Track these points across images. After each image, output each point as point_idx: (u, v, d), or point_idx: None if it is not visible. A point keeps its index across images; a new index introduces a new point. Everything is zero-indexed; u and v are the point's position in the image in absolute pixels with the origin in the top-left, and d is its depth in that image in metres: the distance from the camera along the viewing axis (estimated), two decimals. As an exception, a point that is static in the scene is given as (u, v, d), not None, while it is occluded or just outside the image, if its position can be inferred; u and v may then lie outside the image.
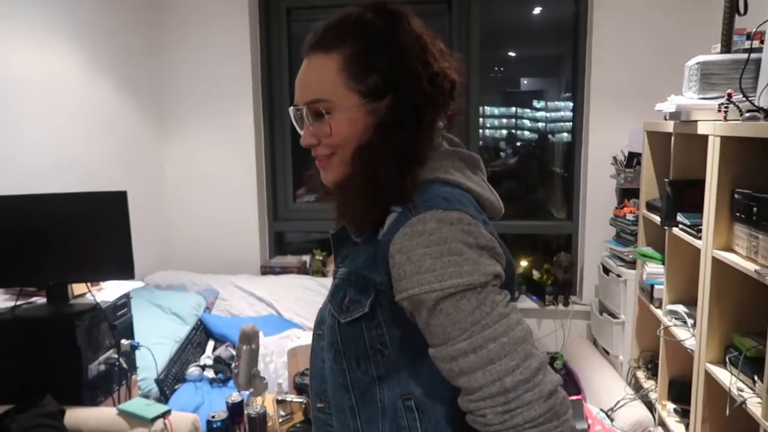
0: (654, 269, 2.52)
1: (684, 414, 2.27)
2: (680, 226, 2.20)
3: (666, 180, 2.30)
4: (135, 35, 3.30)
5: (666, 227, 2.32)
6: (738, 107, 1.82)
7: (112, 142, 3.09)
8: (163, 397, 2.46)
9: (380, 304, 0.86)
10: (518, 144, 3.78)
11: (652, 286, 2.52)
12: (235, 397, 1.99)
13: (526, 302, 3.39)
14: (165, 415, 1.95)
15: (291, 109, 0.94)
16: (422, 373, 0.88)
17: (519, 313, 0.81)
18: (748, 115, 1.74)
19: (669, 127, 2.33)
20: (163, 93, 3.51)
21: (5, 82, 2.40)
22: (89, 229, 2.14)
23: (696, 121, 2.03)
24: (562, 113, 3.59)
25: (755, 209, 1.65)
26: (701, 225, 1.97)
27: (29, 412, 1.81)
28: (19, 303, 2.09)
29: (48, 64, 2.64)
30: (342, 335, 0.90)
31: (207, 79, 3.48)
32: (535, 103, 3.69)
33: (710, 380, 1.89)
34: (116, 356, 2.18)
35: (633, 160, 3.03)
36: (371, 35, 0.87)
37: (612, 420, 2.48)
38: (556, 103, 3.63)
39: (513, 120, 3.72)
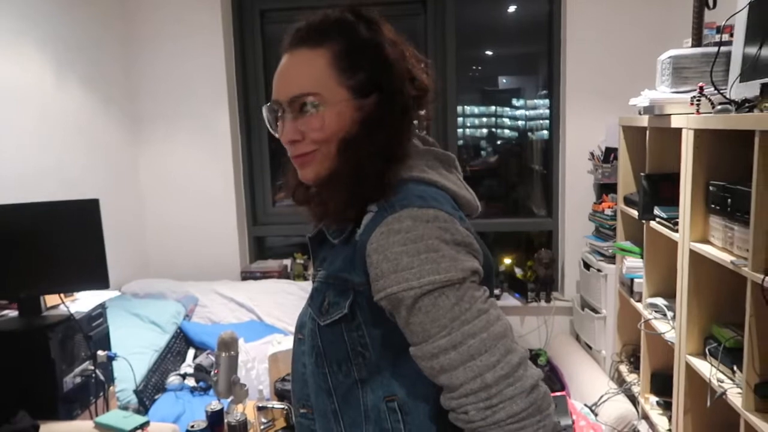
0: (633, 263, 2.54)
1: (666, 406, 2.28)
2: (657, 219, 2.22)
3: (642, 174, 2.32)
4: (106, 38, 3.24)
5: (643, 221, 2.33)
6: (710, 100, 1.83)
7: (84, 149, 3.03)
8: (143, 407, 2.41)
9: (359, 306, 0.86)
10: (498, 143, 3.79)
11: (631, 280, 2.53)
12: (215, 405, 1.96)
13: (509, 300, 3.39)
14: (143, 426, 1.91)
15: (265, 107, 0.92)
16: (404, 374, 0.88)
17: (498, 309, 0.82)
18: (720, 107, 1.76)
19: (644, 121, 2.35)
20: (135, 97, 3.46)
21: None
22: (61, 239, 2.09)
23: (669, 114, 2.04)
24: (540, 111, 3.60)
25: (729, 201, 1.66)
26: (678, 218, 1.98)
27: (2, 429, 1.76)
28: (-11, 316, 2.04)
29: (14, 68, 2.58)
30: (323, 338, 0.90)
31: (181, 83, 3.43)
32: (514, 102, 3.70)
33: (691, 372, 1.90)
34: (92, 368, 2.14)
35: (610, 155, 3.05)
36: (356, 34, 0.88)
37: (596, 415, 2.49)
38: (535, 101, 3.64)
39: (493, 119, 3.72)
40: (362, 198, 0.86)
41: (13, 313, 2.11)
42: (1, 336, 1.98)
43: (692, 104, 1.89)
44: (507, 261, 3.50)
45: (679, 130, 1.94)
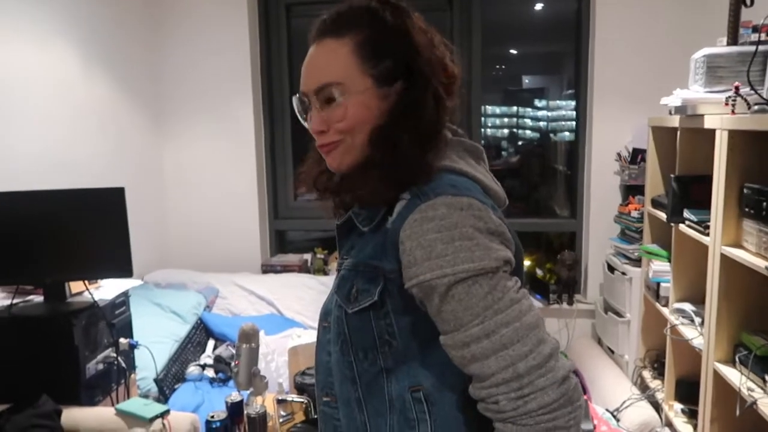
0: (660, 267, 2.49)
1: (692, 414, 2.23)
2: (687, 222, 2.17)
3: (672, 176, 2.27)
4: (132, 31, 3.27)
5: (672, 224, 2.28)
6: (746, 100, 1.79)
7: (110, 140, 3.06)
8: (163, 396, 2.43)
9: (389, 293, 0.85)
10: (520, 143, 3.74)
11: (658, 284, 2.48)
12: (235, 396, 1.96)
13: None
14: (164, 414, 1.91)
15: (295, 98, 0.93)
16: (431, 364, 0.87)
17: (530, 300, 0.81)
18: (756, 108, 1.71)
19: (674, 121, 2.30)
20: (161, 90, 3.48)
21: (2, 79, 2.37)
22: (87, 226, 2.11)
23: (702, 115, 1.99)
24: (563, 111, 3.55)
25: (765, 204, 1.61)
26: (709, 221, 1.93)
27: (25, 412, 1.78)
28: (15, 301, 2.07)
29: (44, 60, 2.61)
30: (349, 326, 0.90)
31: (206, 75, 3.45)
32: (536, 102, 3.66)
33: (719, 380, 1.86)
34: (114, 355, 2.16)
35: (637, 156, 2.99)
36: (382, 22, 0.87)
37: (618, 420, 2.45)
38: (558, 101, 3.59)
39: (514, 119, 3.68)
40: (399, 184, 0.85)
41: (38, 298, 2.14)
42: (27, 321, 2.00)
43: (727, 104, 1.85)
44: (527, 262, 3.46)
45: (712, 131, 1.89)
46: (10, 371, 1.98)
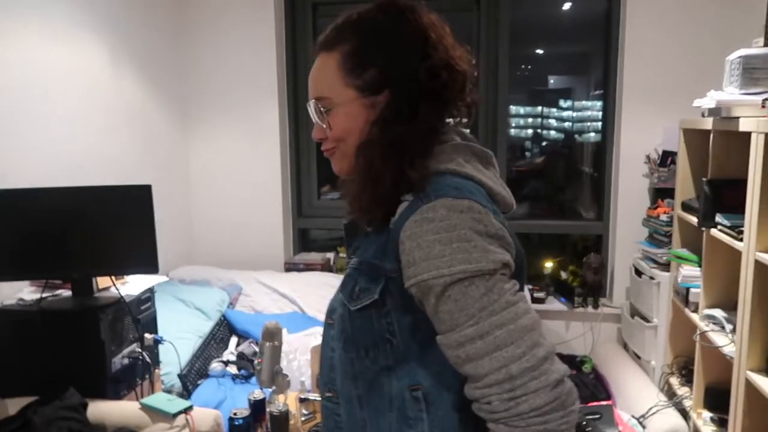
0: (690, 272, 2.43)
1: (721, 423, 2.18)
2: (719, 227, 2.11)
3: (704, 179, 2.21)
4: (159, 30, 3.30)
5: (703, 228, 2.23)
6: (784, 102, 1.74)
7: (136, 137, 3.09)
8: (186, 392, 2.45)
9: (390, 292, 0.87)
10: (544, 143, 3.70)
11: (687, 289, 2.42)
12: (258, 394, 1.96)
13: (554, 304, 3.31)
14: (187, 410, 1.93)
15: (308, 104, 0.98)
16: (430, 364, 0.88)
17: (528, 303, 0.82)
18: (795, 110, 1.66)
19: (707, 124, 2.24)
20: (188, 89, 3.52)
21: (32, 77, 2.42)
22: (114, 223, 2.13)
23: (738, 117, 1.94)
24: (589, 112, 3.50)
25: (803, 209, 1.57)
26: (742, 226, 1.88)
27: (52, 404, 1.81)
28: (44, 295, 2.10)
29: (73, 57, 2.65)
30: (352, 323, 0.91)
31: (232, 75, 3.47)
32: (561, 103, 3.61)
33: (751, 389, 1.81)
34: (140, 350, 2.18)
35: (667, 158, 2.93)
36: (368, 31, 0.89)
37: (644, 427, 2.40)
38: (583, 102, 3.54)
39: (539, 119, 3.64)
40: (384, 197, 0.87)
41: (66, 293, 2.17)
42: (55, 315, 2.03)
43: (764, 107, 1.80)
44: (548, 264, 3.41)
45: (747, 134, 1.84)
46: (38, 364, 2.01)
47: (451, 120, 0.95)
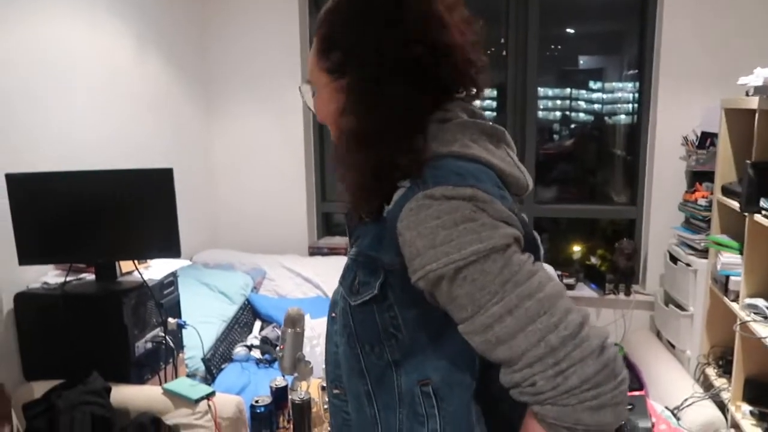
0: (730, 259, 2.32)
1: (761, 417, 2.09)
2: (763, 212, 2.00)
3: (747, 162, 2.10)
4: (184, 12, 3.26)
5: (746, 213, 2.12)
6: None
7: (161, 122, 3.07)
8: (210, 376, 2.44)
9: (391, 286, 0.81)
10: (573, 126, 3.57)
11: (727, 277, 2.32)
12: (280, 381, 1.93)
13: (584, 290, 3.21)
14: (209, 396, 1.91)
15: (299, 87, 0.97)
16: (440, 357, 0.83)
17: (547, 272, 0.74)
18: None
19: (752, 103, 2.12)
20: (211, 71, 3.48)
21: (55, 59, 2.39)
22: (136, 207, 2.11)
23: (787, 95, 1.82)
24: (621, 93, 3.36)
25: None
26: (790, 211, 1.78)
27: (76, 388, 1.81)
28: (68, 279, 2.09)
29: (97, 40, 2.62)
30: (354, 318, 0.86)
31: (255, 57, 3.42)
32: (592, 84, 3.47)
33: (797, 383, 1.71)
34: (163, 335, 2.17)
35: (706, 140, 2.80)
36: (341, 13, 0.85)
37: (678, 419, 2.32)
38: (614, 84, 3.40)
39: (567, 101, 3.51)
40: (371, 186, 0.81)
41: (90, 276, 2.16)
42: (79, 299, 2.03)
43: (817, 83, 1.68)
44: (576, 248, 3.31)
45: (798, 113, 1.73)
46: (62, 348, 2.01)
47: (463, 93, 0.86)
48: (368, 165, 0.80)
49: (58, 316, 2.01)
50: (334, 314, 0.95)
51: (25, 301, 2.07)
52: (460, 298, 0.72)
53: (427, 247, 0.72)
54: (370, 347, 0.85)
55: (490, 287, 0.70)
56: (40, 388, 1.91)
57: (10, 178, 1.98)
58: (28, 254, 2.04)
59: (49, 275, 2.18)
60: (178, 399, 1.91)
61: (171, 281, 2.28)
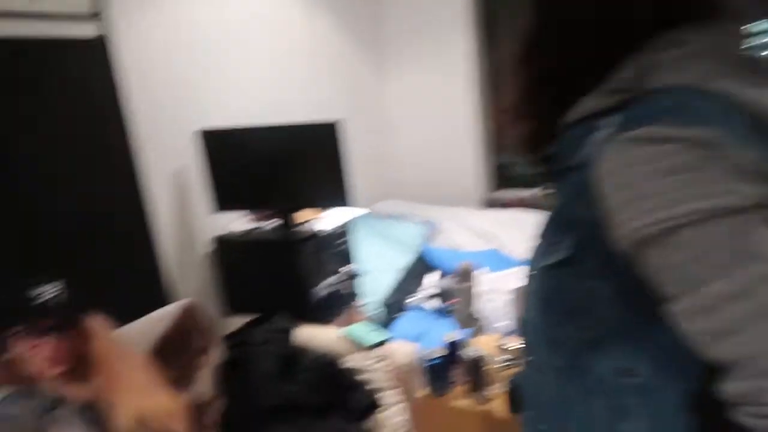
0: None
1: None
2: None
3: None
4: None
5: None
6: None
7: (332, 76, 3.15)
8: (386, 323, 2.48)
9: (587, 249, 0.64)
10: None
11: None
12: (453, 335, 1.88)
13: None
14: (386, 342, 1.93)
15: None
16: (649, 343, 0.64)
17: None
18: None
19: None
20: (380, 25, 3.48)
21: (236, 21, 2.52)
22: (309, 159, 2.18)
23: None
24: None
25: None
26: None
27: (262, 327, 1.94)
28: (253, 226, 2.24)
29: (271, 2, 2.71)
30: (546, 283, 0.71)
31: (424, 10, 3.35)
32: None
33: None
34: (340, 281, 2.23)
35: None
36: None
37: None
38: None
39: None
40: (548, 122, 0.69)
41: (272, 224, 2.29)
42: (263, 245, 2.17)
43: None
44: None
45: None
46: (253, 288, 2.18)
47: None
48: (560, 100, 0.67)
49: (249, 258, 2.18)
50: (533, 272, 0.78)
51: (222, 243, 2.27)
52: (671, 269, 0.56)
53: (629, 201, 0.56)
54: (564, 318, 0.70)
55: (715, 258, 0.53)
56: (237, 322, 2.09)
57: (206, 134, 2.14)
58: (222, 202, 2.22)
59: (235, 224, 2.36)
60: (356, 343, 1.95)
61: (346, 231, 2.34)
